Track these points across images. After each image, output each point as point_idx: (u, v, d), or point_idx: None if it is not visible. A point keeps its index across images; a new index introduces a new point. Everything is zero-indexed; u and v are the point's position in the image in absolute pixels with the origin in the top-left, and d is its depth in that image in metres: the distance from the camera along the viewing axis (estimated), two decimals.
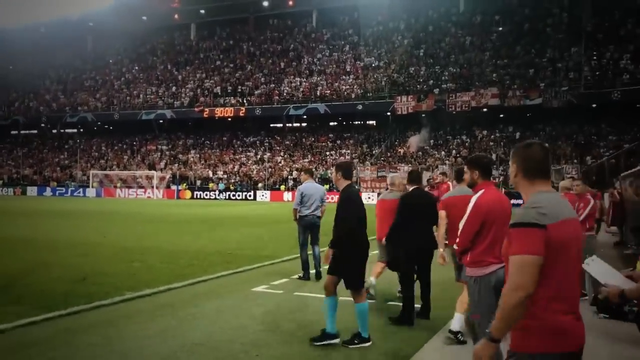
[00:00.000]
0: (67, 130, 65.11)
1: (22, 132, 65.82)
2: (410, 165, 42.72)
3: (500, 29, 49.97)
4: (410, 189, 7.01)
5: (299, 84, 52.34)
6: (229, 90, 54.67)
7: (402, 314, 6.15)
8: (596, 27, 44.05)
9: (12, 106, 64.00)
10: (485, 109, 43.60)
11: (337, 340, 5.27)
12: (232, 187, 46.30)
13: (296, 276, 8.77)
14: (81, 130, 64.64)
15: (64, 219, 20.92)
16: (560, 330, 2.33)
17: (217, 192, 46.45)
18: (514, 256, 2.28)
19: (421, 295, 6.57)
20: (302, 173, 9.51)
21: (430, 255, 6.49)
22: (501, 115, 45.24)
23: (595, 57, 41.94)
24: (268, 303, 6.96)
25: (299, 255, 8.92)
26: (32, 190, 52.56)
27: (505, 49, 46.87)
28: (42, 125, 63.56)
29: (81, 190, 51.05)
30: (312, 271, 8.89)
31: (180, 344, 5.17)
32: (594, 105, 40.64)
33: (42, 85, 66.65)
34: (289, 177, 46.52)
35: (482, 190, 4.13)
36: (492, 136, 44.83)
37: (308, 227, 8.87)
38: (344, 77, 51.61)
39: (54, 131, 64.79)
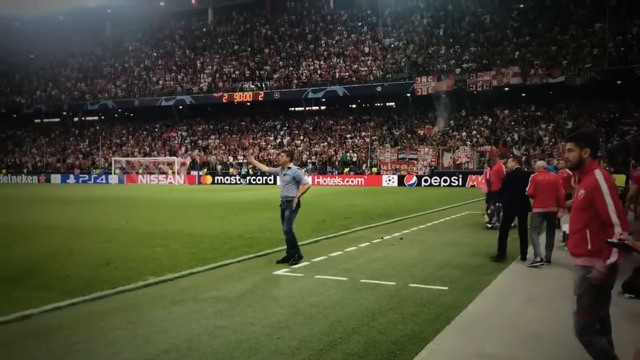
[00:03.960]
0: (88, 118, 65.91)
1: (45, 120, 66.81)
2: (431, 146, 42.45)
3: (522, 5, 49.05)
4: (514, 168, 9.54)
5: (317, 66, 52.08)
6: (247, 75, 54.65)
7: (498, 255, 8.84)
8: (621, 2, 42.94)
9: (34, 95, 64.83)
10: (506, 88, 42.95)
11: None
12: (251, 172, 46.44)
13: (293, 261, 8.56)
14: (102, 117, 65.39)
15: (88, 206, 21.20)
16: None
17: (237, 177, 46.69)
18: None
19: (520, 243, 8.99)
20: (284, 155, 8.96)
21: (526, 214, 8.99)
22: (523, 94, 44.55)
23: (619, 33, 40.93)
24: (289, 286, 6.98)
25: (314, 239, 8.85)
26: (55, 178, 53.41)
27: (527, 27, 46.01)
28: (64, 113, 64.43)
29: (104, 177, 51.68)
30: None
31: (203, 327, 5.20)
32: (618, 82, 39.75)
33: (63, 74, 67.31)
34: (309, 160, 46.51)
35: (599, 169, 3.72)
36: (514, 116, 44.20)
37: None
38: (362, 58, 51.19)
39: (76, 119, 65.64)
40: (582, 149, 3.74)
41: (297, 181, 8.65)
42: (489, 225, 13.40)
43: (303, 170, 40.25)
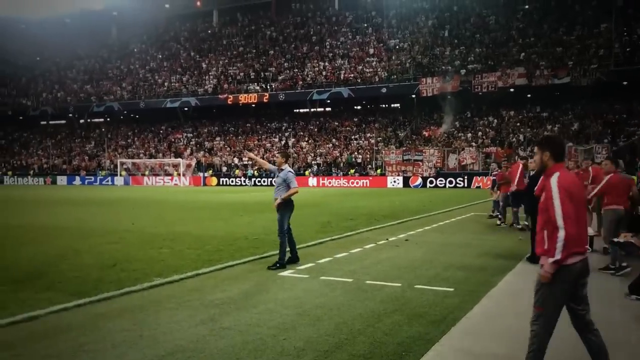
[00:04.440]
0: (94, 120, 66.15)
1: (51, 122, 67.09)
2: (436, 148, 42.36)
3: (527, 6, 48.93)
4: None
5: (322, 68, 52.10)
6: (252, 76, 54.73)
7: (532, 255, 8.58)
8: (627, 2, 42.76)
9: (40, 97, 65.12)
10: (512, 89, 42.84)
11: None
12: (256, 174, 46.57)
13: (274, 266, 8.30)
14: (108, 119, 65.60)
15: (94, 207, 21.28)
16: None
17: (242, 179, 46.77)
18: None
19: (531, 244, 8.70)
20: (279, 156, 8.81)
21: None
22: (528, 95, 44.42)
23: (626, 33, 40.77)
24: (294, 287, 6.98)
25: (320, 240, 8.79)
26: (61, 180, 53.62)
27: (532, 27, 45.90)
28: (70, 115, 64.70)
29: (109, 178, 51.86)
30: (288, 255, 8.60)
31: (209, 328, 5.21)
32: (624, 83, 39.59)
33: (69, 76, 67.60)
34: (314, 162, 46.52)
35: (559, 173, 3.81)
36: (520, 117, 44.09)
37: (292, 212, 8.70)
38: (367, 59, 51.19)
39: (82, 121, 65.92)
40: (542, 152, 3.91)
41: (287, 183, 8.50)
42: (520, 225, 13.27)
43: (307, 171, 39.98)
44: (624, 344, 4.76)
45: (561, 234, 3.64)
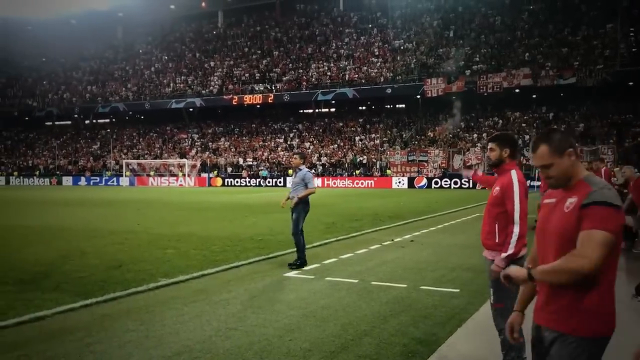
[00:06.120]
0: (99, 121, 66.35)
1: (57, 123, 67.32)
2: (441, 148, 42.29)
3: (532, 7, 48.78)
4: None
5: (327, 69, 52.09)
6: (257, 77, 54.77)
7: None
8: (632, 2, 42.60)
9: (46, 98, 65.34)
10: (517, 90, 42.71)
11: None
12: (264, 175, 46.59)
13: (294, 264, 8.39)
14: (113, 120, 65.79)
15: (100, 208, 21.34)
16: (613, 314, 2.47)
17: (247, 179, 46.78)
18: (595, 231, 2.22)
19: None
20: (297, 157, 8.91)
21: None
22: (534, 96, 44.29)
23: (631, 34, 40.62)
24: (300, 288, 6.98)
25: (325, 241, 8.76)
26: (67, 180, 53.77)
27: (537, 28, 45.79)
28: (76, 116, 64.89)
29: (115, 179, 51.98)
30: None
31: (215, 328, 5.22)
32: (630, 83, 39.42)
33: (75, 77, 67.80)
34: (318, 163, 46.52)
35: (515, 170, 3.98)
36: (525, 117, 43.97)
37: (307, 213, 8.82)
38: (372, 59, 51.15)
39: (87, 122, 66.13)
40: (502, 149, 4.02)
41: (305, 183, 8.62)
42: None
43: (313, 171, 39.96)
44: (631, 346, 4.73)
45: (516, 229, 3.81)
